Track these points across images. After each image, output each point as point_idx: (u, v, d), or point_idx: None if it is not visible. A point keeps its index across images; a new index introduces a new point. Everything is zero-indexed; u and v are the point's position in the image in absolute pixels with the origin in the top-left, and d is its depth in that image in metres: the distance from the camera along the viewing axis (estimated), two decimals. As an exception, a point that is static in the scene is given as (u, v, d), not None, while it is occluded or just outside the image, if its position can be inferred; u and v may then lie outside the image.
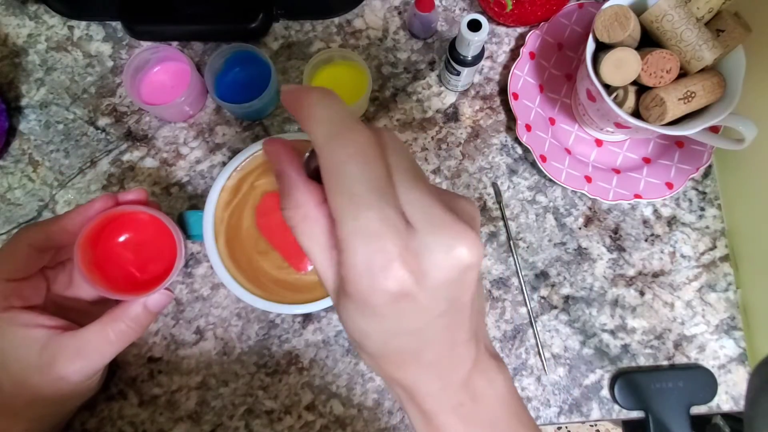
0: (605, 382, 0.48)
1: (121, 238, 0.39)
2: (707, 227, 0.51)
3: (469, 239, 0.20)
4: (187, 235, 0.42)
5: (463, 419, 0.24)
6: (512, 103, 0.49)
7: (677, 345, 0.49)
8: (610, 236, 0.50)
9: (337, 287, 0.22)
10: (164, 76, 0.49)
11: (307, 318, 0.47)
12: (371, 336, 0.22)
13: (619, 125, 0.44)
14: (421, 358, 0.22)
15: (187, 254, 0.47)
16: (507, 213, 0.50)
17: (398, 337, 0.21)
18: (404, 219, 0.20)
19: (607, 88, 0.43)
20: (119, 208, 0.37)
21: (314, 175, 0.23)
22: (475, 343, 0.24)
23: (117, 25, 0.52)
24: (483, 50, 0.46)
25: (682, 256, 0.50)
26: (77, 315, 0.38)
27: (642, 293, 0.49)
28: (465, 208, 0.23)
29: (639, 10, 0.41)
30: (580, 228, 0.50)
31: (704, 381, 0.47)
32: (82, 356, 0.35)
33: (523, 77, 0.50)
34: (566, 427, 1.14)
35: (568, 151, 0.50)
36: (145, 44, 0.51)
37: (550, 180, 0.50)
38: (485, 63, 0.53)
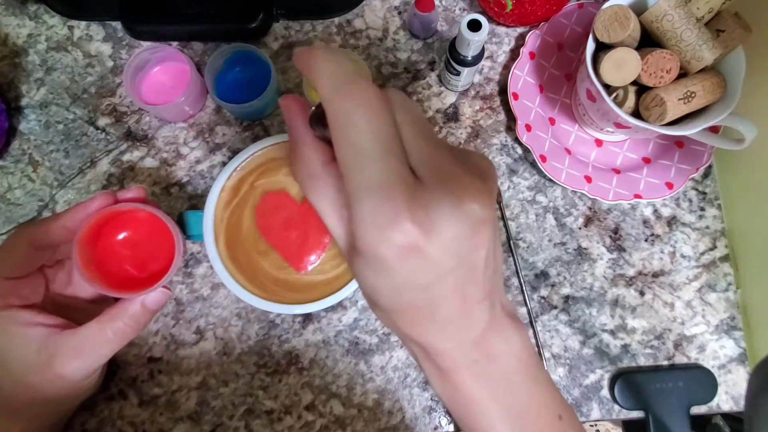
0: (605, 382, 0.48)
1: (120, 236, 0.39)
2: (707, 227, 0.51)
3: (480, 194, 0.20)
4: (187, 235, 0.42)
5: (478, 376, 0.24)
6: (512, 103, 0.49)
7: (677, 345, 0.49)
8: (610, 236, 0.50)
9: (348, 244, 0.21)
10: (164, 76, 0.49)
11: (307, 318, 0.47)
12: (382, 292, 0.21)
13: (619, 125, 0.44)
14: (435, 314, 0.22)
15: (187, 253, 0.47)
16: (507, 213, 0.50)
17: (409, 293, 0.21)
18: (412, 172, 0.19)
19: (607, 88, 0.43)
20: (118, 205, 0.37)
21: (324, 136, 0.23)
22: (490, 302, 0.23)
23: (117, 25, 0.52)
24: (483, 50, 0.46)
25: (682, 256, 0.50)
26: (76, 314, 0.38)
27: (642, 293, 0.49)
28: (478, 163, 0.22)
29: (639, 10, 0.41)
30: (580, 228, 0.50)
31: (704, 381, 0.47)
32: (81, 355, 0.34)
33: (523, 77, 0.50)
34: (566, 427, 1.14)
35: (568, 151, 0.50)
36: (145, 44, 0.51)
37: (550, 180, 0.50)
38: (485, 63, 0.53)
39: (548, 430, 0.26)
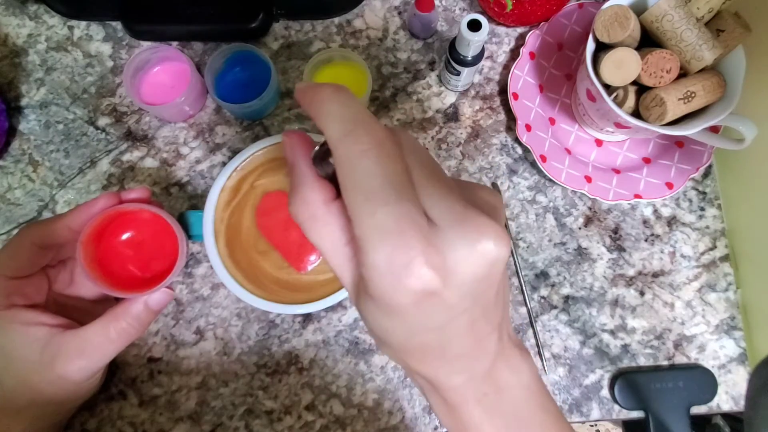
0: (605, 382, 0.48)
1: (124, 236, 0.39)
2: (707, 227, 0.51)
3: (494, 232, 0.19)
4: (187, 235, 0.42)
5: (487, 410, 0.24)
6: (512, 103, 0.49)
7: (677, 345, 0.49)
8: (610, 236, 0.50)
9: (355, 285, 0.21)
10: (164, 76, 0.49)
11: (307, 318, 0.47)
12: (394, 333, 0.21)
13: (619, 125, 0.44)
14: (445, 352, 0.22)
15: (188, 253, 0.47)
16: (507, 213, 0.50)
17: (422, 334, 0.21)
18: (425, 215, 0.19)
19: (607, 88, 0.43)
20: (122, 206, 0.37)
21: (327, 174, 0.23)
22: (499, 334, 0.23)
23: (117, 25, 0.52)
24: (483, 50, 0.46)
25: (682, 256, 0.50)
26: (79, 313, 0.38)
27: (642, 293, 0.49)
28: (487, 199, 0.22)
29: (639, 10, 0.41)
30: (580, 228, 0.50)
31: (704, 381, 0.47)
32: (84, 355, 0.35)
33: (523, 77, 0.50)
34: (566, 427, 1.14)
35: (568, 151, 0.50)
36: (145, 44, 0.51)
37: (550, 180, 0.50)
38: (485, 63, 0.53)
39: None
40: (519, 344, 0.25)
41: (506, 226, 0.49)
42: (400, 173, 0.19)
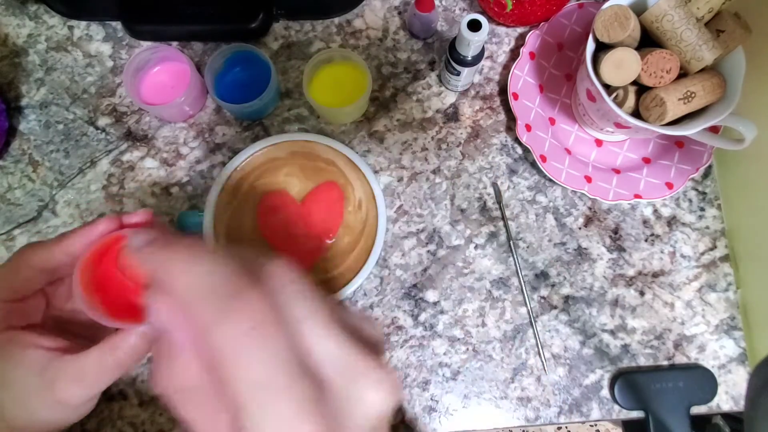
0: (605, 382, 0.48)
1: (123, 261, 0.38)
2: (707, 227, 0.51)
3: (389, 383, 0.19)
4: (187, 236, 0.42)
5: None
6: (512, 103, 0.49)
7: (677, 345, 0.49)
8: (610, 236, 0.50)
9: None
10: (164, 76, 0.49)
11: (307, 318, 0.47)
12: None
13: (619, 125, 0.44)
14: None
15: None
16: (507, 213, 0.50)
17: None
18: (316, 380, 0.18)
19: (607, 88, 0.42)
20: (123, 231, 0.35)
21: None
22: None
23: (117, 25, 0.52)
24: (483, 50, 0.46)
25: (682, 256, 0.50)
26: (77, 326, 0.38)
27: (642, 293, 0.49)
28: (372, 336, 0.22)
29: (639, 10, 0.41)
30: (580, 228, 0.50)
31: (704, 381, 0.47)
32: (82, 382, 0.34)
33: (523, 77, 0.50)
34: (566, 427, 1.14)
35: (568, 151, 0.50)
36: (145, 44, 0.51)
37: (550, 180, 0.50)
38: (485, 63, 0.53)
39: None
40: None
41: (506, 228, 0.49)
42: (288, 347, 0.18)
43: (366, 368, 0.19)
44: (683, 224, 0.51)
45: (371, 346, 0.20)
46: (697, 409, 0.47)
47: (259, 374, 0.17)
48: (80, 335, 0.38)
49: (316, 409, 0.17)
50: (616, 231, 0.50)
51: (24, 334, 0.34)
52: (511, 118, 0.51)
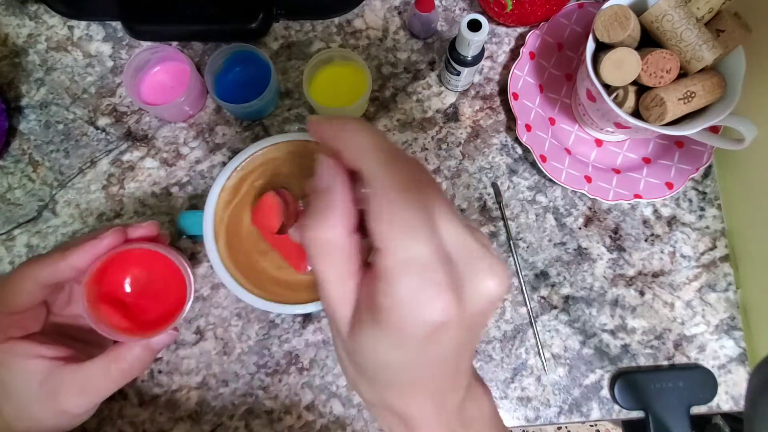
0: (605, 382, 0.48)
1: (129, 274, 0.38)
2: (707, 227, 0.51)
3: (502, 272, 0.21)
4: (187, 235, 0.42)
5: None
6: (512, 103, 0.49)
7: (677, 345, 0.49)
8: (610, 236, 0.50)
9: (352, 318, 0.21)
10: (164, 76, 0.49)
11: (307, 318, 0.47)
12: (391, 366, 0.21)
13: (619, 125, 0.44)
14: (428, 386, 0.23)
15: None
16: (507, 213, 0.50)
17: (417, 367, 0.21)
18: (448, 259, 0.20)
19: (607, 88, 0.43)
20: (128, 245, 0.35)
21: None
22: (468, 367, 0.24)
23: (117, 25, 0.52)
24: (483, 50, 0.46)
25: (682, 256, 0.50)
26: (77, 331, 0.38)
27: (642, 293, 0.49)
28: (484, 240, 0.23)
29: (639, 10, 0.41)
30: (580, 228, 0.50)
31: (704, 381, 0.47)
32: (84, 393, 0.34)
33: (523, 77, 0.50)
34: (566, 427, 1.14)
35: (568, 151, 0.50)
36: (145, 44, 0.51)
37: (550, 180, 0.50)
38: (485, 63, 0.53)
39: None
40: (479, 378, 0.26)
41: (506, 228, 0.49)
42: (430, 209, 0.20)
43: (484, 255, 0.20)
44: (683, 224, 0.51)
45: (491, 248, 0.22)
46: (697, 409, 0.47)
47: (408, 219, 0.19)
48: (81, 339, 0.38)
49: (445, 268, 0.19)
50: (616, 231, 0.50)
51: (24, 344, 0.34)
52: (511, 118, 0.51)
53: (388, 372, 0.22)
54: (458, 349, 0.21)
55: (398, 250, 0.19)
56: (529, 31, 0.52)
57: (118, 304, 0.37)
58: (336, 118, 0.22)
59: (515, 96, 0.49)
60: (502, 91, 0.52)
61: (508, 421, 0.47)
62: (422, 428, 0.24)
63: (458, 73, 0.48)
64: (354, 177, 0.22)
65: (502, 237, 0.49)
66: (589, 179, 0.49)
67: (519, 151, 0.51)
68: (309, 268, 0.42)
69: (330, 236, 0.21)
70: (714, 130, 0.49)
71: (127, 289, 0.38)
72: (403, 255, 0.19)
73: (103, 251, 0.35)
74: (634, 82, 0.42)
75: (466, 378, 0.24)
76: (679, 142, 0.50)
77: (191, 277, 0.37)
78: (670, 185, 0.49)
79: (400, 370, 0.22)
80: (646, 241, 0.50)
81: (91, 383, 0.34)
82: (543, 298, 0.49)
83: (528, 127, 0.49)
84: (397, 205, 0.19)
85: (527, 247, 0.50)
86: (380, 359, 0.21)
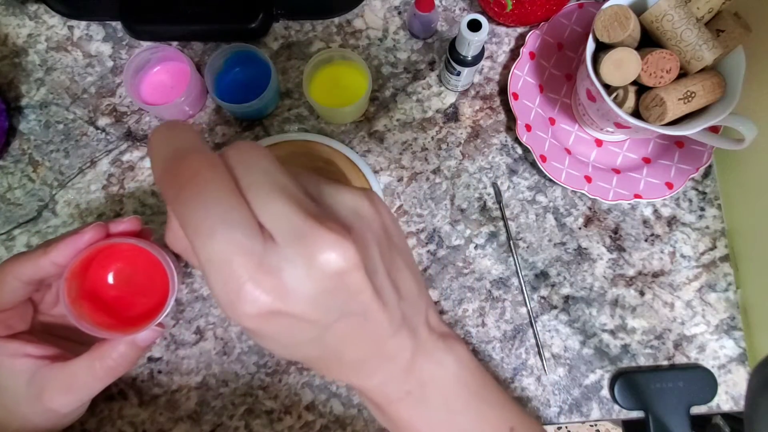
0: (605, 382, 0.48)
1: (112, 270, 0.38)
2: (707, 227, 0.51)
3: (334, 242, 0.19)
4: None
5: (414, 406, 0.24)
6: (512, 103, 0.49)
7: (677, 345, 0.49)
8: (610, 236, 0.50)
9: None
10: (164, 76, 0.49)
11: (307, 318, 0.47)
12: (275, 351, 0.21)
13: (619, 125, 0.44)
14: (342, 359, 0.22)
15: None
16: (507, 213, 0.50)
17: (300, 349, 0.21)
18: (260, 236, 0.19)
19: (607, 88, 0.43)
20: (110, 240, 0.35)
21: None
22: (409, 330, 0.23)
23: (117, 25, 0.52)
24: (483, 50, 0.46)
25: (682, 256, 0.50)
26: (66, 330, 0.38)
27: (642, 293, 0.49)
28: (345, 204, 0.22)
29: (639, 10, 0.41)
30: (580, 228, 0.50)
31: (704, 381, 0.47)
32: (70, 391, 0.34)
33: (523, 77, 0.50)
34: (566, 427, 1.14)
35: (568, 151, 0.50)
36: (145, 44, 0.51)
37: (550, 180, 0.50)
38: (485, 63, 0.53)
39: None
40: (445, 334, 0.25)
41: (506, 228, 0.49)
42: (226, 200, 0.18)
43: (310, 229, 0.19)
44: (683, 224, 0.51)
45: (342, 212, 0.21)
46: (697, 409, 0.47)
47: (196, 218, 0.18)
48: (70, 339, 0.38)
49: (249, 257, 0.18)
50: (616, 231, 0.50)
51: (11, 343, 0.34)
52: (511, 118, 0.51)
53: (281, 355, 0.22)
54: (339, 326, 0.20)
55: (197, 251, 0.18)
56: (529, 31, 0.52)
57: (101, 300, 0.37)
58: (157, 128, 0.21)
59: (515, 96, 0.49)
60: (502, 91, 0.52)
61: (508, 421, 0.47)
62: (372, 394, 0.24)
63: (458, 73, 0.48)
64: None
65: (502, 237, 0.49)
66: (589, 179, 0.49)
67: (519, 151, 0.51)
68: None
69: (182, 245, 0.22)
70: (714, 130, 0.49)
71: (111, 285, 0.38)
72: (202, 254, 0.18)
73: (83, 246, 0.34)
74: (634, 82, 0.42)
75: (404, 341, 0.23)
76: (679, 142, 0.50)
77: (174, 272, 0.37)
78: (670, 185, 0.49)
79: (288, 353, 0.21)
80: (646, 241, 0.50)
81: (76, 381, 0.34)
82: (543, 298, 0.49)
83: (528, 127, 0.49)
84: (182, 209, 0.19)
85: (527, 247, 0.50)
86: (266, 347, 0.21)
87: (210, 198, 0.18)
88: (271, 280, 0.18)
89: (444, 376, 0.24)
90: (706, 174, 0.52)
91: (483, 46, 0.46)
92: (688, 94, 0.40)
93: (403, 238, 0.25)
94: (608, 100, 0.41)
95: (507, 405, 0.27)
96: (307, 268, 0.19)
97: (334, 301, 0.20)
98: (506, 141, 0.51)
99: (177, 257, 0.41)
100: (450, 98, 0.52)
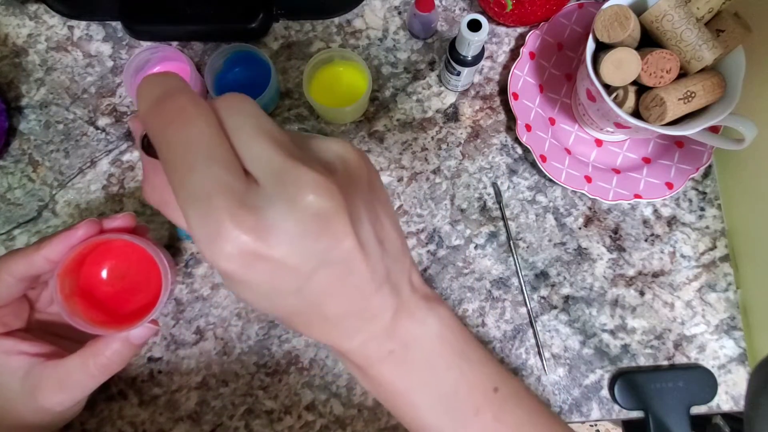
0: (605, 382, 0.48)
1: (106, 266, 0.38)
2: (707, 227, 0.51)
3: (317, 184, 0.18)
4: (188, 236, 0.42)
5: (396, 366, 0.23)
6: (512, 103, 0.49)
7: (677, 345, 0.49)
8: (610, 236, 0.50)
9: None
10: (164, 76, 0.49)
11: (307, 318, 0.47)
12: (255, 303, 0.20)
13: (619, 125, 0.44)
14: (323, 313, 0.21)
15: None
16: (507, 213, 0.50)
17: (280, 299, 0.20)
18: (243, 176, 0.18)
19: (607, 88, 0.43)
20: (103, 236, 0.35)
21: None
22: (391, 287, 0.22)
23: (117, 25, 0.52)
24: (483, 50, 0.46)
25: (682, 256, 0.50)
26: (63, 328, 0.38)
27: (642, 293, 0.49)
28: (332, 149, 0.21)
29: (639, 10, 0.41)
30: (580, 228, 0.50)
31: (704, 381, 0.47)
32: (64, 389, 0.34)
33: (523, 77, 0.50)
34: (566, 427, 1.14)
35: (568, 151, 0.50)
36: (145, 44, 0.51)
37: (550, 180, 0.50)
38: (485, 63, 0.53)
39: (483, 405, 0.25)
40: (428, 295, 0.24)
41: (506, 228, 0.49)
42: (209, 137, 0.18)
43: (291, 169, 0.18)
44: (683, 224, 0.51)
45: (324, 157, 0.21)
46: (697, 409, 0.47)
47: (176, 155, 0.18)
48: (67, 337, 0.38)
49: (228, 194, 0.18)
50: (616, 231, 0.50)
51: (6, 340, 0.34)
52: (511, 118, 0.51)
53: (261, 308, 0.21)
54: (320, 275, 0.20)
55: (177, 189, 0.18)
56: (529, 31, 0.52)
57: (95, 297, 0.37)
58: (148, 74, 0.21)
59: (515, 96, 0.49)
60: (502, 91, 0.52)
61: (508, 421, 0.47)
62: (353, 354, 0.23)
63: (458, 73, 0.48)
64: None
65: (502, 237, 0.49)
66: (589, 179, 0.49)
67: (519, 151, 0.51)
68: None
69: (159, 196, 0.22)
70: (714, 130, 0.49)
71: (105, 282, 0.38)
72: (181, 192, 0.18)
73: (76, 242, 0.34)
74: (634, 82, 0.42)
75: (385, 297, 0.22)
76: (679, 142, 0.50)
77: (168, 269, 0.37)
78: (670, 185, 0.49)
79: (266, 305, 0.21)
80: (646, 241, 0.50)
81: (70, 379, 0.34)
82: (543, 298, 0.49)
83: (528, 127, 0.49)
84: (164, 146, 0.19)
85: (527, 247, 0.50)
86: (243, 299, 0.20)
87: (193, 133, 0.18)
88: (252, 219, 0.18)
89: (427, 335, 0.24)
90: (706, 174, 0.52)
91: (483, 46, 0.46)
92: (688, 94, 0.40)
93: (387, 199, 0.24)
94: (608, 100, 0.41)
95: (490, 364, 0.26)
96: (288, 209, 0.18)
97: (316, 245, 0.19)
98: (506, 141, 0.51)
99: (172, 255, 0.41)
100: (450, 98, 0.52)
